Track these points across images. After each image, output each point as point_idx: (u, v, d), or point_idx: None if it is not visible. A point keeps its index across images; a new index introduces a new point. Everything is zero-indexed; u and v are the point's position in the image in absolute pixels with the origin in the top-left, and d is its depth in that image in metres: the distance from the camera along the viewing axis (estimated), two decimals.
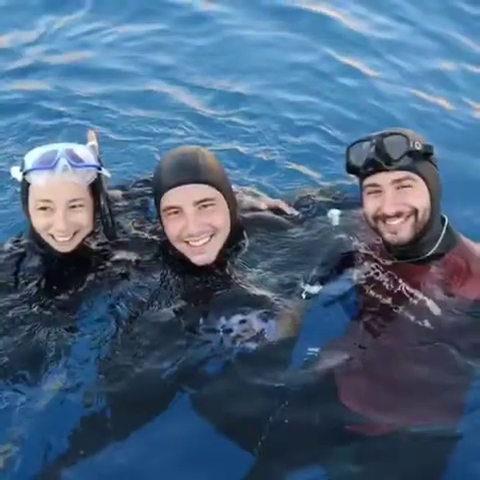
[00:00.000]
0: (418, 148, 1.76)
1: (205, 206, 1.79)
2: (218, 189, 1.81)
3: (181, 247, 1.84)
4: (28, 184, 1.79)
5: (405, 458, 1.65)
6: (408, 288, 1.83)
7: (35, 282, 1.84)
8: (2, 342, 1.75)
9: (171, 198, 1.79)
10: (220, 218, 1.82)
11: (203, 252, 1.82)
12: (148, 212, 2.04)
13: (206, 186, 1.79)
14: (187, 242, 1.82)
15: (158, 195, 1.83)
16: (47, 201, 1.77)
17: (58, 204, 1.77)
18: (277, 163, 2.62)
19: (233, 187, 1.94)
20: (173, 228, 1.82)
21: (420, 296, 1.81)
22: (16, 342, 1.75)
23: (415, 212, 1.78)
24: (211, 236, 1.82)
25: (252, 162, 2.63)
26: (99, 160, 1.85)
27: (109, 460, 1.62)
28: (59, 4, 3.66)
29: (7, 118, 2.83)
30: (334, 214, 2.00)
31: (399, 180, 1.77)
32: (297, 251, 1.92)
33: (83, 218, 1.81)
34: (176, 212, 1.80)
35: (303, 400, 1.71)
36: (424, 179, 1.77)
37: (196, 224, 1.78)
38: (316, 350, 1.80)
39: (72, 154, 1.78)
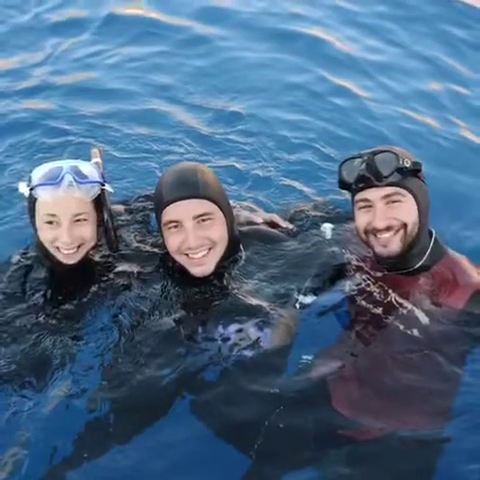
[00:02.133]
0: (407, 165, 1.81)
1: (204, 220, 1.84)
2: (216, 204, 1.85)
3: (181, 259, 1.89)
4: (35, 199, 1.84)
5: (395, 462, 1.68)
6: (398, 298, 1.88)
7: (41, 293, 1.89)
8: (10, 350, 1.79)
9: (171, 212, 1.84)
10: (218, 232, 1.87)
11: (202, 264, 1.87)
12: (149, 226, 2.08)
13: (205, 201, 1.84)
14: (186, 254, 1.87)
15: (159, 210, 1.88)
16: (53, 215, 1.82)
17: (63, 218, 1.82)
18: (273, 179, 2.66)
19: (231, 202, 1.99)
20: (173, 241, 1.87)
21: (409, 306, 1.86)
22: (23, 350, 1.79)
23: (404, 226, 1.83)
24: (209, 249, 1.87)
25: (249, 178, 2.67)
26: (103, 176, 1.90)
27: (112, 463, 1.65)
28: (64, 27, 3.74)
29: (15, 136, 2.87)
30: (327, 228, 2.05)
31: (389, 195, 1.82)
32: (291, 263, 1.96)
33: (87, 231, 1.86)
34: (176, 226, 1.85)
35: (297, 405, 1.75)
36: (413, 194, 1.83)
37: (195, 237, 1.83)
38: (310, 358, 1.84)
39: (77, 170, 1.84)
